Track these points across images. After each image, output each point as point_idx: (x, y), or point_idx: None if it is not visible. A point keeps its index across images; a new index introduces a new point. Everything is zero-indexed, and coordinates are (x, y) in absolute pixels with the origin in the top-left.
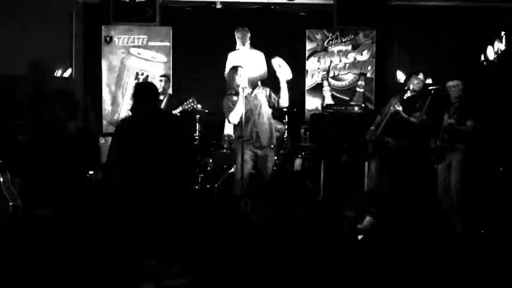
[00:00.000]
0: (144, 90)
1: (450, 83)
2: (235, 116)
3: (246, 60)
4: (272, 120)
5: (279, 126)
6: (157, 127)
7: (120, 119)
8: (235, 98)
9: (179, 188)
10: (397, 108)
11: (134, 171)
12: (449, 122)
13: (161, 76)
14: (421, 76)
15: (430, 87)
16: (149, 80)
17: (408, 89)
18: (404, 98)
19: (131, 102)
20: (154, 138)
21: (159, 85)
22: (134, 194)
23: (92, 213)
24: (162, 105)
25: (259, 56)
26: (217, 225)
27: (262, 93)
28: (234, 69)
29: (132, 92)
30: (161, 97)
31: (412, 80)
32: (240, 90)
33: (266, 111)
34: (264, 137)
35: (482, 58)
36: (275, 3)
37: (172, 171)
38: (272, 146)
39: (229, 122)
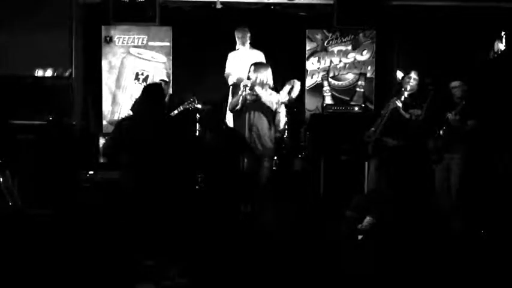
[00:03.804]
0: (151, 92)
1: (453, 84)
2: (230, 105)
3: (246, 60)
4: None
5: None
6: (158, 129)
7: (121, 117)
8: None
9: (180, 188)
10: (398, 104)
11: (136, 171)
12: (453, 119)
13: (160, 80)
14: (412, 75)
15: (430, 87)
16: (149, 80)
17: (404, 89)
18: (402, 99)
19: (133, 101)
20: (154, 140)
21: None
22: (137, 193)
23: (91, 212)
24: None
25: (259, 56)
26: (217, 225)
27: (269, 97)
28: (251, 65)
29: (141, 93)
30: None
31: (405, 80)
32: (242, 87)
33: (264, 115)
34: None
35: (491, 56)
36: (275, 3)
37: (173, 172)
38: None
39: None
